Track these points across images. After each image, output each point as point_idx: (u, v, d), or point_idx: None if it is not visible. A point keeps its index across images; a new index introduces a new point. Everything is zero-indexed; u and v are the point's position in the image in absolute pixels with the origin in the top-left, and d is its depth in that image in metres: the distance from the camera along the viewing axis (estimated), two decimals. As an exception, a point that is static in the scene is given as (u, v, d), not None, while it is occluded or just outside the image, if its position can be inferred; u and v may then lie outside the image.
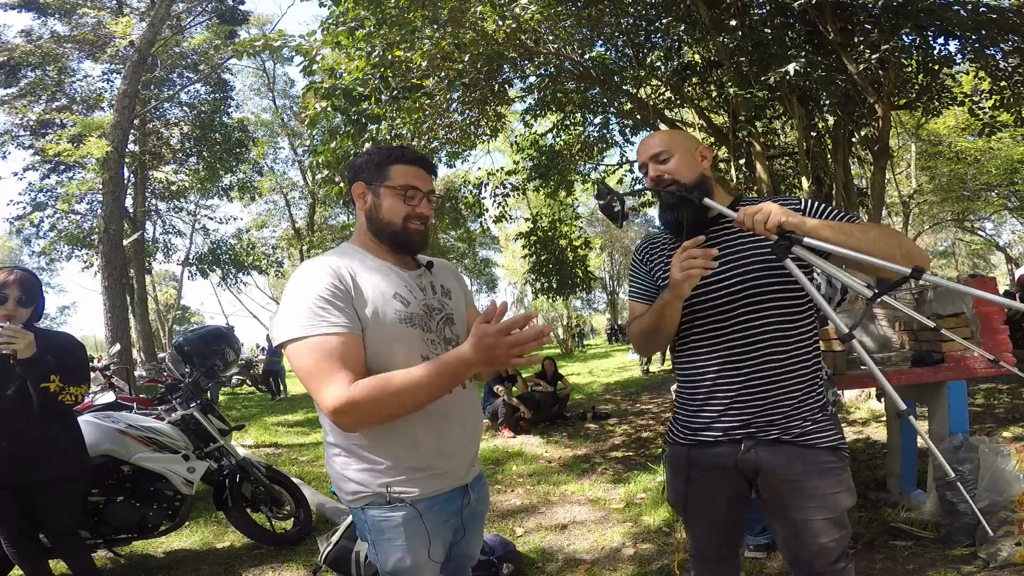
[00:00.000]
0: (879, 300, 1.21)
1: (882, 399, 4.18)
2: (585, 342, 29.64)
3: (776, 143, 7.63)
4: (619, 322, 33.21)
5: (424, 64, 4.98)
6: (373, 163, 1.34)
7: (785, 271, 1.31)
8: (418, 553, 1.26)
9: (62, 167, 13.71)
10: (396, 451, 1.25)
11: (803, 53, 4.51)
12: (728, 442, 1.46)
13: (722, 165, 7.23)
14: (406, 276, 1.34)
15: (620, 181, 9.60)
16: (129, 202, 13.51)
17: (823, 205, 1.46)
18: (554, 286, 9.90)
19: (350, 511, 1.35)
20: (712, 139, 7.48)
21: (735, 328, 1.44)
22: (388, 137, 5.51)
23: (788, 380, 1.42)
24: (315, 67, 5.15)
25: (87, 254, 14.49)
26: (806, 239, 1.24)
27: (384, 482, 1.24)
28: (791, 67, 4.21)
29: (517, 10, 4.74)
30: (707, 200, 1.42)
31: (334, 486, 1.33)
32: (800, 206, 1.44)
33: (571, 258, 10.08)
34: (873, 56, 4.38)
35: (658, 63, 6.72)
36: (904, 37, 5.00)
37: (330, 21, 5.09)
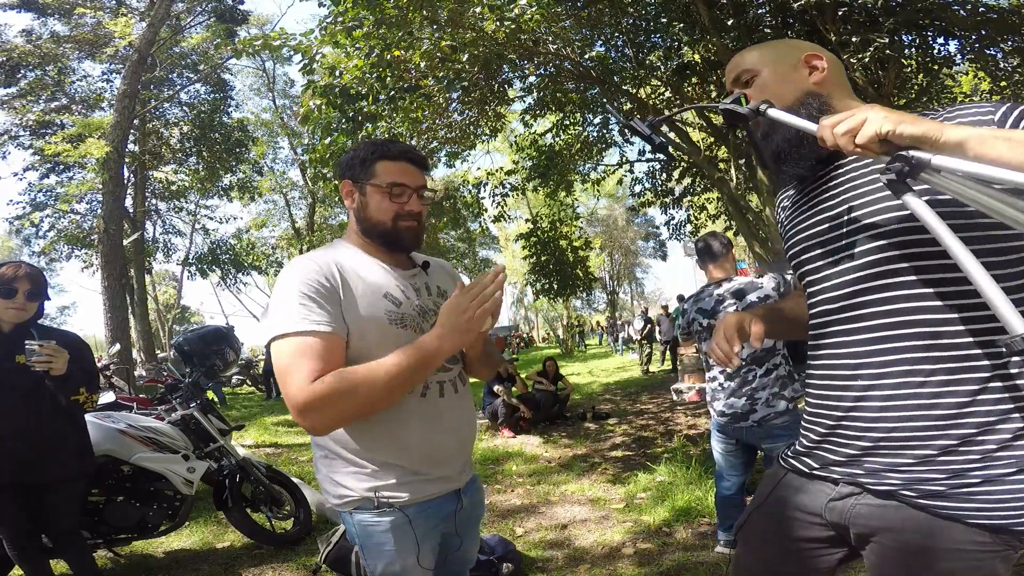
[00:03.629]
0: None
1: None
2: (587, 342, 29.61)
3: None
4: (619, 322, 33.25)
5: (423, 64, 4.98)
6: (359, 160, 1.29)
7: (954, 219, 0.82)
8: (407, 559, 1.23)
9: (62, 167, 13.72)
10: (385, 455, 1.21)
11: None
12: (823, 479, 1.02)
13: (722, 165, 7.24)
14: (399, 276, 1.30)
15: (620, 182, 9.62)
16: (129, 202, 13.51)
17: None
18: (554, 287, 9.92)
19: (339, 515, 1.31)
20: (712, 139, 7.50)
21: (854, 320, 0.96)
22: (387, 136, 5.52)
23: (945, 400, 0.87)
24: (315, 66, 5.15)
25: (87, 254, 14.50)
26: (940, 160, 0.75)
27: (372, 486, 1.21)
28: None
29: (516, 11, 4.74)
30: (771, 111, 0.97)
31: (321, 489, 1.29)
32: (991, 115, 0.87)
33: (571, 259, 10.10)
34: (866, 54, 4.38)
35: (658, 63, 6.72)
36: (904, 37, 4.99)
37: (329, 20, 5.09)
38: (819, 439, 1.03)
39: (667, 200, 9.21)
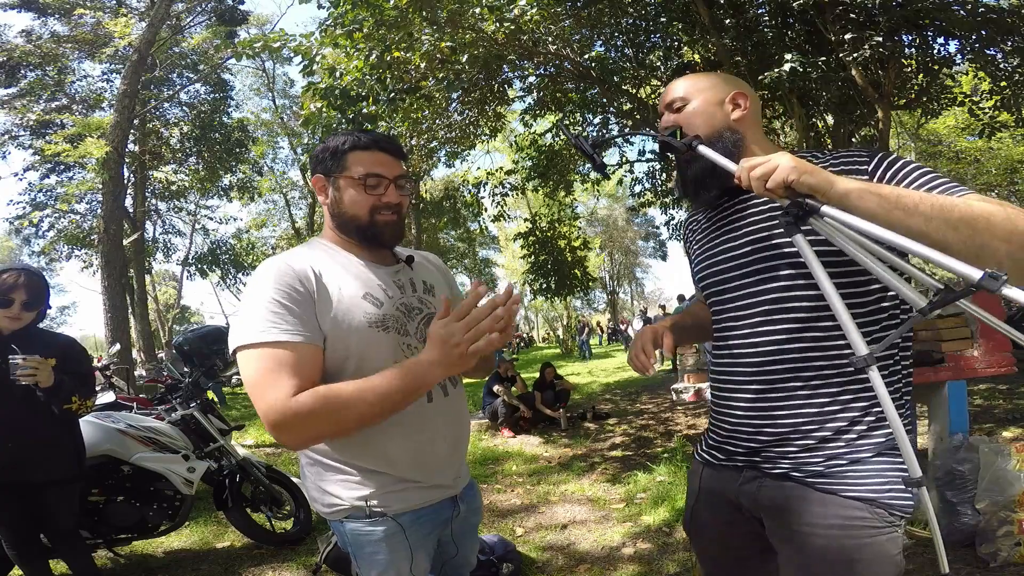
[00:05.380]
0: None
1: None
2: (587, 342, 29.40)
3: (776, 143, 7.62)
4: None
5: (423, 65, 4.98)
6: (329, 152, 1.20)
7: (834, 257, 0.98)
8: (401, 568, 1.19)
9: (62, 167, 13.73)
10: (373, 462, 1.16)
11: (800, 53, 4.52)
12: (732, 468, 1.19)
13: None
14: (380, 273, 1.22)
15: (620, 182, 9.62)
16: (129, 202, 13.53)
17: (912, 166, 1.01)
18: (552, 286, 9.92)
19: (329, 523, 1.26)
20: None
21: (752, 329, 1.13)
22: (387, 136, 5.51)
23: (817, 400, 1.07)
24: (315, 67, 5.15)
25: (87, 254, 14.50)
26: (827, 209, 0.88)
27: (363, 495, 1.15)
28: (786, 67, 4.21)
29: (516, 11, 4.74)
30: (702, 147, 1.09)
31: (310, 497, 1.24)
32: (867, 165, 1.05)
33: (569, 259, 10.10)
34: (864, 53, 4.38)
35: (658, 63, 6.72)
36: (903, 37, 5.00)
37: (328, 22, 5.09)
38: (726, 435, 1.20)
39: (667, 200, 9.21)
